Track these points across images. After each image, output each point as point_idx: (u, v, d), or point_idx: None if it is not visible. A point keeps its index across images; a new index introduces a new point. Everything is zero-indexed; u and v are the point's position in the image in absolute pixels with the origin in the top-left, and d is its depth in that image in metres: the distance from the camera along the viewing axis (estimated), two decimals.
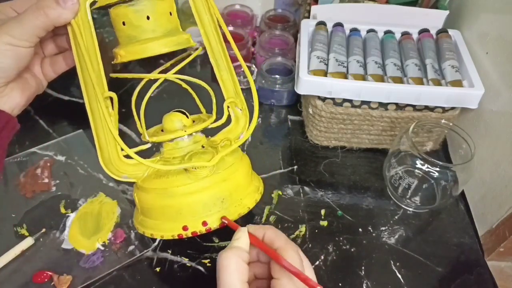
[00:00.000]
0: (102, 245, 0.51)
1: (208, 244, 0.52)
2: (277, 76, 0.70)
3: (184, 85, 0.49)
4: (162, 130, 0.47)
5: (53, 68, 0.44)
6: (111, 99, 0.43)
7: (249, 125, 0.49)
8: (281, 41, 0.79)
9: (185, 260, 0.51)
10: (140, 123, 0.48)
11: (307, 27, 0.66)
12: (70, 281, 0.47)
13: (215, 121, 0.49)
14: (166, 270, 0.50)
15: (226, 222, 0.42)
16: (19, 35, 0.36)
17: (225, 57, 0.47)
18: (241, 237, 0.37)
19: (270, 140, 0.67)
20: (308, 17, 0.71)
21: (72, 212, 0.55)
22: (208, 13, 0.45)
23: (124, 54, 0.40)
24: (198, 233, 0.42)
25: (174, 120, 0.45)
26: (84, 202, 0.56)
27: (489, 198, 0.56)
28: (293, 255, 0.35)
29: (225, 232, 0.53)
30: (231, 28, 0.80)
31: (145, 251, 0.51)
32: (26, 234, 0.52)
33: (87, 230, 0.53)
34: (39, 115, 0.67)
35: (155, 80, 0.50)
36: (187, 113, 0.46)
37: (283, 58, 0.73)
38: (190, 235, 0.43)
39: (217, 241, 0.53)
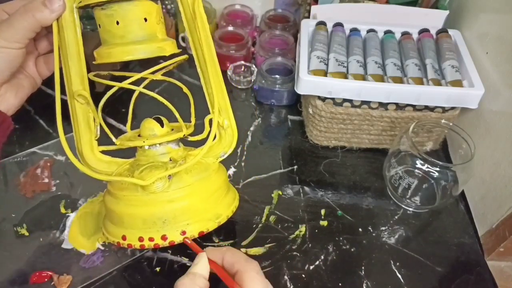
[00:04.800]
0: (102, 245, 0.51)
1: (208, 244, 0.52)
2: (277, 76, 0.70)
3: (185, 90, 0.48)
4: (139, 135, 0.45)
5: (47, 66, 0.45)
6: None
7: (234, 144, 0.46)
8: (281, 41, 0.79)
9: (185, 260, 0.51)
10: (129, 122, 0.47)
11: (307, 27, 0.66)
12: (70, 281, 0.47)
13: (193, 134, 0.47)
14: (166, 270, 0.50)
15: (188, 242, 0.41)
16: (10, 38, 0.37)
17: (213, 71, 0.44)
18: (199, 263, 0.37)
19: (270, 140, 0.67)
20: (308, 17, 0.71)
21: (72, 212, 0.55)
22: (196, 24, 0.42)
23: (96, 56, 0.41)
24: (133, 247, 0.42)
25: (147, 127, 0.44)
26: (84, 202, 0.56)
27: (489, 198, 0.56)
28: (254, 276, 0.35)
29: (226, 233, 0.54)
30: (231, 28, 0.80)
31: (145, 251, 0.51)
32: (26, 234, 0.52)
33: (87, 230, 0.53)
34: (39, 115, 0.67)
35: (157, 80, 0.49)
36: (163, 121, 0.44)
37: (283, 58, 0.73)
38: (126, 246, 0.42)
39: (217, 241, 0.53)
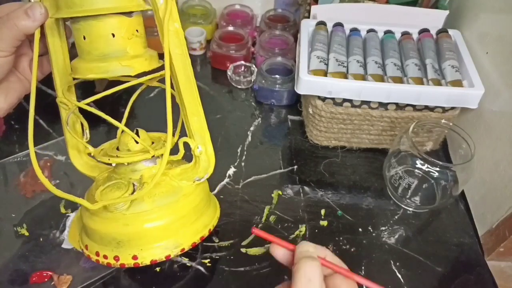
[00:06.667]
0: None
1: (208, 244, 0.52)
2: (277, 76, 0.70)
3: (178, 100, 0.47)
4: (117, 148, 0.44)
5: (40, 69, 0.45)
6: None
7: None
8: (281, 41, 0.79)
9: (185, 260, 0.51)
10: (120, 129, 0.46)
11: (307, 27, 0.66)
12: (70, 281, 0.47)
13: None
14: (166, 270, 0.50)
15: (257, 232, 0.38)
16: None
17: (188, 94, 0.41)
18: (311, 250, 0.34)
19: (270, 140, 0.67)
20: (308, 17, 0.71)
21: (72, 212, 0.55)
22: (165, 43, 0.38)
23: (72, 69, 0.40)
24: (91, 259, 0.42)
25: (122, 142, 0.43)
26: None
27: (489, 198, 0.56)
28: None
29: (226, 233, 0.54)
30: (231, 28, 0.80)
31: None
32: (26, 234, 0.52)
33: None
34: (39, 115, 0.67)
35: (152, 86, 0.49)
36: (143, 135, 0.43)
37: (283, 58, 0.73)
38: (87, 256, 0.42)
39: (217, 241, 0.53)
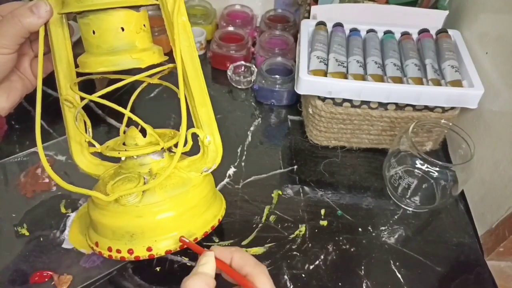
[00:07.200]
0: None
1: (208, 244, 0.52)
2: (277, 76, 0.70)
3: (180, 96, 0.47)
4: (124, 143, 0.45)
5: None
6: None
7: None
8: (281, 41, 0.79)
9: (185, 260, 0.51)
10: (123, 127, 0.46)
11: (307, 27, 0.67)
12: (71, 281, 0.48)
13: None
14: (166, 270, 0.50)
15: (186, 241, 0.40)
16: None
17: (195, 84, 0.42)
18: (208, 263, 0.36)
19: (270, 140, 0.67)
20: (308, 17, 0.71)
21: (72, 212, 0.55)
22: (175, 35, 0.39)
23: (78, 64, 0.40)
24: (103, 255, 0.42)
25: (129, 136, 0.43)
26: (84, 202, 0.56)
27: (489, 198, 0.56)
28: (265, 281, 0.35)
29: (226, 233, 0.54)
30: (231, 28, 0.80)
31: None
32: (27, 234, 0.52)
33: None
34: None
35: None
36: (149, 130, 0.43)
37: (283, 58, 0.73)
38: (97, 253, 0.42)
39: (217, 240, 0.53)
